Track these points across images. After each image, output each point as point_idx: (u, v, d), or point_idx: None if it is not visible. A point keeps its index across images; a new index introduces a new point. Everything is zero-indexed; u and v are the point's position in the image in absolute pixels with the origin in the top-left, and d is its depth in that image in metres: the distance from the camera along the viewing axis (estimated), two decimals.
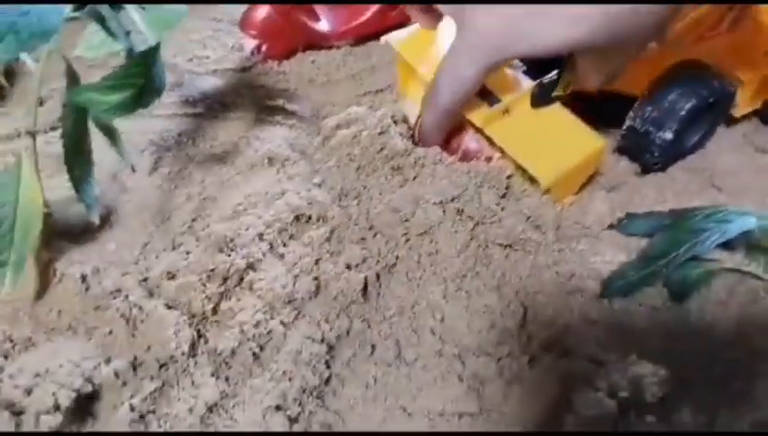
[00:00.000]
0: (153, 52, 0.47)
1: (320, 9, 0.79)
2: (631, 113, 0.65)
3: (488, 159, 0.58)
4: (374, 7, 0.79)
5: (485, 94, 0.55)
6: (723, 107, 0.68)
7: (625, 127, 0.66)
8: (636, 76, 0.63)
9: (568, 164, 0.55)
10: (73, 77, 0.50)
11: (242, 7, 0.82)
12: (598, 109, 0.60)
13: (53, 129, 0.69)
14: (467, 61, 0.50)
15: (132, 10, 0.50)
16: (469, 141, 0.58)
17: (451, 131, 0.59)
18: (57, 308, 0.52)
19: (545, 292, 0.53)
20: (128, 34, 0.53)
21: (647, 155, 0.65)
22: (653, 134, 0.63)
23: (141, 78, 0.47)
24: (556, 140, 0.56)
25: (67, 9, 0.48)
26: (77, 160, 0.50)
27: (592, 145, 0.57)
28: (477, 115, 0.55)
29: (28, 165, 0.49)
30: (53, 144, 0.66)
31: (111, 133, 0.56)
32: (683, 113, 0.62)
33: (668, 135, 0.62)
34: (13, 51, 0.44)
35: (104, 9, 0.52)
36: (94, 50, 0.59)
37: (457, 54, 0.51)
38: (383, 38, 0.65)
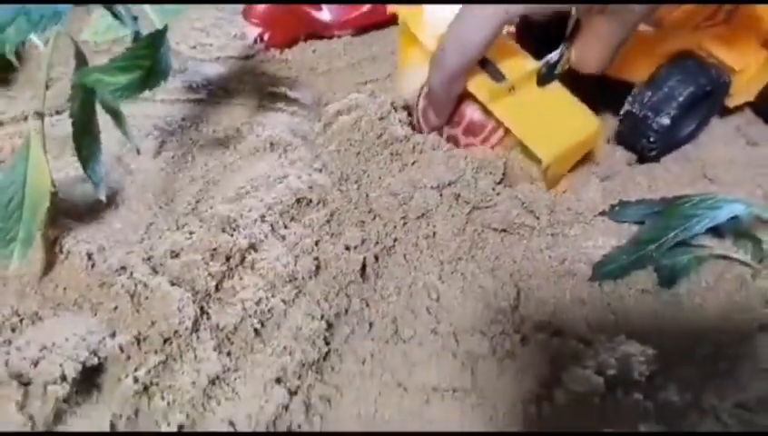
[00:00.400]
0: (161, 34, 0.49)
1: None
2: (629, 99, 0.66)
3: (493, 130, 0.59)
4: None
5: (491, 71, 0.57)
6: (719, 97, 0.69)
7: (623, 112, 0.67)
8: (635, 64, 0.64)
9: (568, 144, 0.57)
10: (81, 59, 0.51)
11: None
12: (596, 98, 0.62)
13: (59, 112, 0.70)
14: (475, 23, 0.51)
15: None
16: (472, 113, 0.59)
17: (456, 103, 0.60)
18: (63, 284, 0.54)
19: (538, 274, 0.55)
20: (135, 19, 0.55)
21: (644, 141, 0.66)
22: (650, 119, 0.64)
23: (148, 60, 0.49)
24: (558, 119, 0.58)
25: None
26: (85, 140, 0.51)
27: (591, 126, 0.59)
28: (483, 91, 0.57)
29: (36, 145, 0.51)
30: (59, 127, 0.68)
31: (117, 116, 0.57)
32: (681, 99, 0.63)
33: (665, 121, 0.64)
34: (24, 32, 0.45)
35: None
36: (101, 35, 0.60)
37: (465, 18, 0.52)
38: (390, 7, 0.66)
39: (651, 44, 0.64)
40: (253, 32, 0.79)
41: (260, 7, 0.77)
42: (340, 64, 0.80)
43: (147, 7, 0.51)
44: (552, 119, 0.58)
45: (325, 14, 0.80)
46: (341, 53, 0.82)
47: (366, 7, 0.81)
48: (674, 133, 0.68)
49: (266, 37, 0.79)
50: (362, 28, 0.83)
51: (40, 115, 0.53)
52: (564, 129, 0.58)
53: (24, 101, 0.72)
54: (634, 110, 0.66)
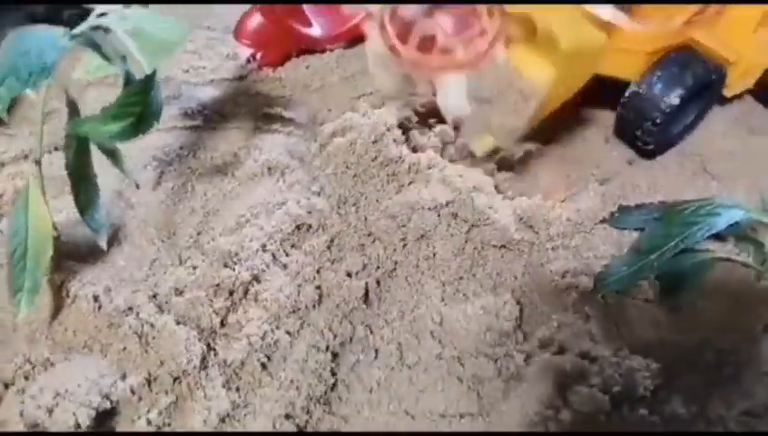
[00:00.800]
0: (150, 80, 0.49)
1: (311, 14, 0.80)
2: (634, 84, 0.65)
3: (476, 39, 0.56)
4: (364, 10, 0.80)
5: None
6: (715, 89, 0.68)
7: (627, 94, 0.66)
8: (631, 61, 0.64)
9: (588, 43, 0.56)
10: (73, 108, 0.52)
11: (235, 15, 0.83)
12: (590, 97, 0.61)
13: (56, 149, 0.70)
14: None
15: (125, 37, 0.51)
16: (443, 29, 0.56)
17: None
18: (72, 327, 0.55)
19: (539, 290, 0.55)
20: (124, 58, 0.55)
21: (648, 124, 0.65)
22: (658, 99, 0.63)
23: (139, 106, 0.49)
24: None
25: (63, 41, 0.50)
26: (82, 187, 0.52)
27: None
28: None
29: (36, 193, 0.51)
30: (57, 164, 0.68)
31: (113, 155, 0.58)
32: (689, 81, 0.63)
33: (675, 100, 0.63)
34: (15, 91, 0.45)
35: (99, 36, 0.53)
36: (92, 73, 0.60)
37: None
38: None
39: (644, 41, 0.63)
40: (245, 52, 0.79)
41: (251, 27, 0.77)
42: (334, 79, 0.80)
43: (135, 50, 0.51)
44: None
45: (315, 29, 0.80)
46: (334, 67, 0.81)
47: (356, 19, 0.80)
48: (673, 126, 0.67)
49: (258, 56, 0.79)
50: (354, 40, 0.82)
51: (37, 163, 0.54)
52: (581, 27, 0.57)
53: (22, 138, 0.73)
54: (640, 91, 0.64)
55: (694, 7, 0.64)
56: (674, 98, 0.63)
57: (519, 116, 0.57)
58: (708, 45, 0.65)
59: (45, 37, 0.48)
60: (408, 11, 0.55)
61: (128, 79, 0.54)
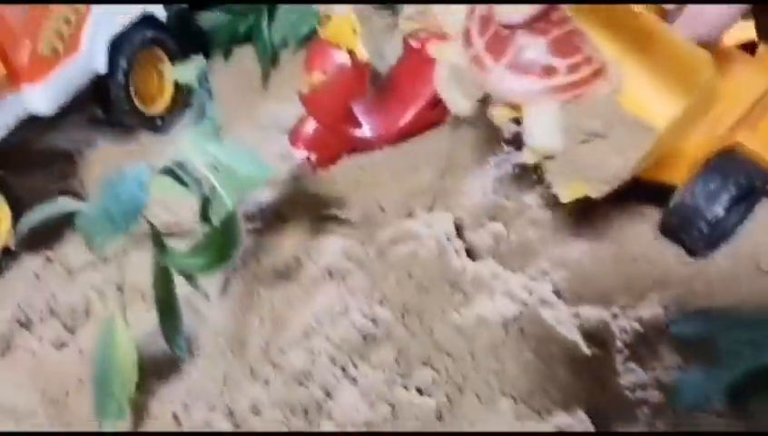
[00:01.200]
0: (232, 217, 0.52)
1: (361, 117, 0.83)
2: (679, 192, 0.66)
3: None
4: (413, 110, 0.83)
5: None
6: (764, 190, 0.70)
7: (672, 204, 0.67)
8: (676, 165, 0.66)
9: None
10: (158, 240, 0.54)
11: (287, 112, 0.87)
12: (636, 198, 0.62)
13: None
14: None
15: (209, 173, 0.54)
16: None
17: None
18: None
19: (611, 406, 0.56)
20: (200, 186, 0.58)
21: (695, 233, 0.66)
22: (703, 210, 0.64)
23: (222, 241, 0.52)
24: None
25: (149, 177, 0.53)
26: (169, 318, 0.54)
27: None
28: None
29: (121, 326, 0.54)
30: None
31: (189, 276, 0.60)
32: (733, 191, 0.64)
33: (720, 211, 0.64)
34: (110, 237, 0.48)
35: (181, 169, 0.57)
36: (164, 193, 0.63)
37: None
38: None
39: (692, 145, 0.65)
40: (300, 154, 0.82)
41: (306, 132, 0.81)
42: (385, 178, 0.83)
43: (217, 185, 0.55)
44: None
45: (366, 130, 0.83)
46: (384, 165, 0.84)
47: (404, 120, 0.84)
48: (724, 226, 0.68)
49: (312, 159, 0.82)
50: (401, 139, 0.85)
51: (120, 290, 0.56)
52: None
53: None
54: (684, 200, 0.66)
55: (739, 110, 0.66)
56: (718, 209, 0.64)
57: (626, 158, 0.47)
58: (752, 148, 0.67)
59: (134, 179, 0.51)
60: (505, 20, 0.46)
61: (204, 208, 0.57)
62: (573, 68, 0.46)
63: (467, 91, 0.51)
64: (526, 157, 0.50)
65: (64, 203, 0.56)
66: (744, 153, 0.66)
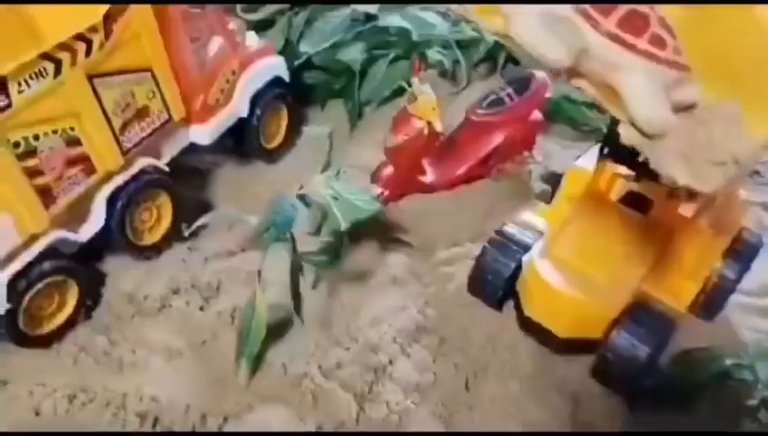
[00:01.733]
0: (343, 235, 0.78)
1: (427, 167, 1.09)
2: (602, 347, 0.76)
3: None
4: (467, 165, 1.10)
5: None
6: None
7: (595, 359, 0.78)
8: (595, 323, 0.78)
9: None
10: (294, 246, 0.81)
11: (367, 155, 1.14)
12: None
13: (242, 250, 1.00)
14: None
15: (331, 201, 0.81)
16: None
17: None
18: (267, 384, 0.82)
19: None
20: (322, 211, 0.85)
21: (625, 383, 0.76)
22: (628, 362, 0.74)
23: (336, 248, 0.79)
24: None
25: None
26: (297, 294, 0.81)
27: None
28: None
29: (261, 299, 0.80)
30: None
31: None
32: (653, 340, 0.74)
33: (643, 358, 0.73)
34: (272, 238, 0.75)
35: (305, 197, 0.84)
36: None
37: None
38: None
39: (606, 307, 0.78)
40: (377, 189, 1.09)
41: (385, 174, 1.07)
42: (440, 215, 1.08)
43: (336, 210, 0.81)
44: None
45: (429, 177, 1.09)
46: (440, 205, 1.10)
47: (461, 170, 1.10)
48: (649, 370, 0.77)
49: (386, 194, 1.08)
50: (455, 186, 1.11)
51: (258, 273, 0.83)
52: None
53: (221, 238, 1.03)
54: (608, 356, 0.75)
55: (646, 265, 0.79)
56: (642, 357, 0.73)
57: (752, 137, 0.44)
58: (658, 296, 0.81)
59: (287, 202, 0.79)
60: None
61: (320, 225, 0.84)
62: (678, 50, 0.45)
63: (562, 42, 0.46)
64: (626, 137, 0.46)
65: (228, 213, 0.84)
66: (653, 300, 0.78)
